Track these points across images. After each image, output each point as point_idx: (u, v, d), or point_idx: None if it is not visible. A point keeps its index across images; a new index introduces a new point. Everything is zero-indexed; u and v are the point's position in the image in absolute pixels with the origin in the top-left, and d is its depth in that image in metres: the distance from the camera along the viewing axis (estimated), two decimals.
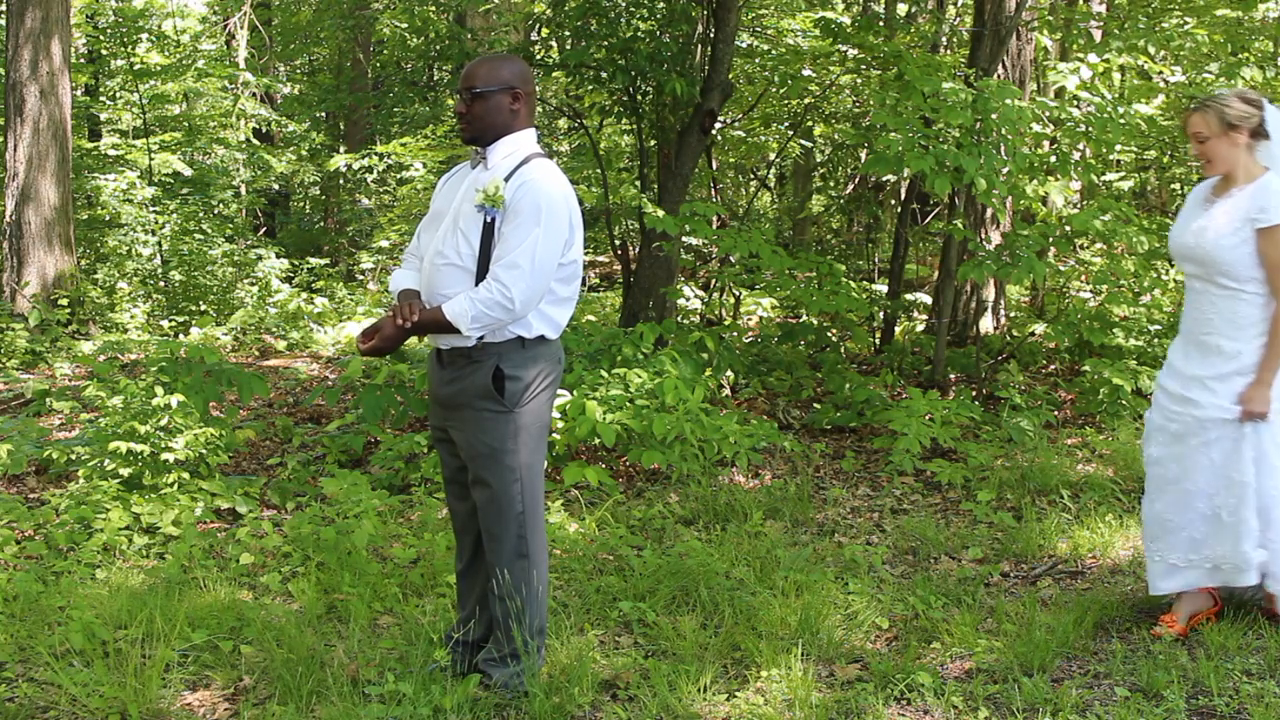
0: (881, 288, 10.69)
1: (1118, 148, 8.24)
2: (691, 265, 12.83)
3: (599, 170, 9.61)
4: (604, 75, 8.42)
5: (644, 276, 8.56)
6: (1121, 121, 7.33)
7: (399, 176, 15.60)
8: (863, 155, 11.88)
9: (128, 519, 5.38)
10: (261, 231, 17.57)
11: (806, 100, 10.71)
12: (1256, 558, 4.14)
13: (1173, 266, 11.73)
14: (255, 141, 16.77)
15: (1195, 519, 4.22)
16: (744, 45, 10.71)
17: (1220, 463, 4.15)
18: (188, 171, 14.17)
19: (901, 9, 12.13)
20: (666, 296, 8.63)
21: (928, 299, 10.65)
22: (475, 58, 3.87)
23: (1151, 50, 8.41)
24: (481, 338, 3.60)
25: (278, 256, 13.36)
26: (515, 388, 3.61)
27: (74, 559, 5.03)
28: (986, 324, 9.62)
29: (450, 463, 3.85)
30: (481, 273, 3.57)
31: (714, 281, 10.72)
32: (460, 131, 3.72)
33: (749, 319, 11.43)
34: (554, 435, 6.15)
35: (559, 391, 6.20)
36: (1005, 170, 7.19)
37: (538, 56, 9.17)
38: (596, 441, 6.16)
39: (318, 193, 19.69)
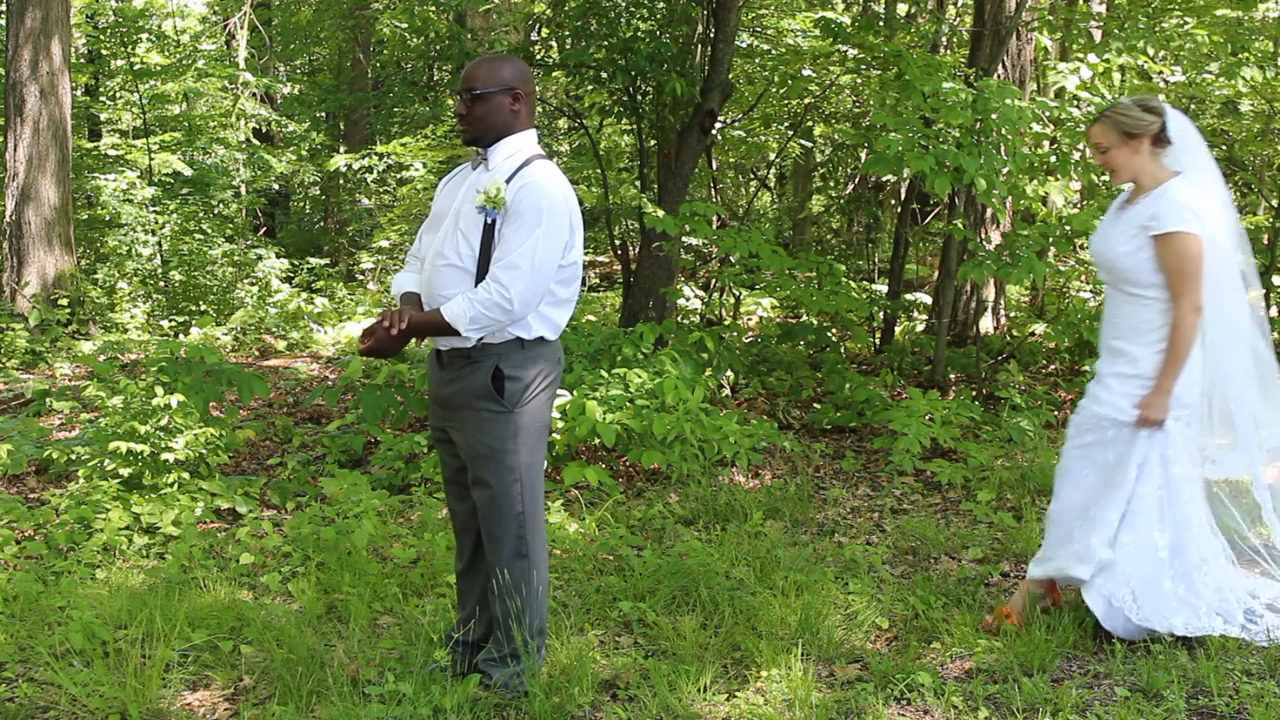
0: (881, 288, 10.69)
1: None
2: (691, 265, 12.83)
3: (599, 170, 9.61)
4: (604, 75, 8.42)
5: (644, 276, 8.56)
6: None
7: (399, 176, 15.59)
8: (863, 155, 11.88)
9: (128, 519, 5.38)
10: (261, 231, 17.57)
11: (806, 100, 10.71)
12: (1101, 555, 4.18)
13: None
14: (255, 141, 16.76)
15: (1074, 515, 4.29)
16: (744, 45, 10.70)
17: (1111, 464, 4.21)
18: (188, 171, 14.17)
19: (901, 9, 12.14)
20: (666, 296, 8.63)
21: (928, 299, 10.66)
22: (475, 58, 3.87)
23: (1151, 50, 8.41)
24: (481, 338, 3.61)
25: (278, 256, 13.37)
26: (515, 388, 3.61)
27: (74, 559, 5.03)
28: (986, 324, 9.62)
29: (450, 463, 3.85)
30: (481, 274, 3.56)
31: (714, 281, 10.72)
32: (461, 133, 3.72)
33: (749, 319, 11.44)
34: (554, 435, 6.15)
35: (559, 391, 6.22)
36: (1005, 170, 7.19)
37: (538, 56, 9.17)
38: (596, 441, 6.16)
39: (318, 193, 19.69)
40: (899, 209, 10.62)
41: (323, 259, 14.76)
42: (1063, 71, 7.86)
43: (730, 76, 8.64)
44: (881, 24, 9.91)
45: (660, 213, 7.21)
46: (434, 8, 10.40)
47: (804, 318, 9.07)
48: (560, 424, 6.14)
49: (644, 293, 8.55)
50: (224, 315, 11.97)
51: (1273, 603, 4.36)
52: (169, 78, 15.02)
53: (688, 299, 10.03)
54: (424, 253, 3.78)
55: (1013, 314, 10.62)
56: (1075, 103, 7.99)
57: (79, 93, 15.37)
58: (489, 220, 3.55)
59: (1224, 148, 10.42)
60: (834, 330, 8.95)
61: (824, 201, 14.25)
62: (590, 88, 9.12)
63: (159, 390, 5.92)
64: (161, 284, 12.36)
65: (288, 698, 3.76)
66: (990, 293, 9.63)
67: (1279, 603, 4.37)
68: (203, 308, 12.14)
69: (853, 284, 8.75)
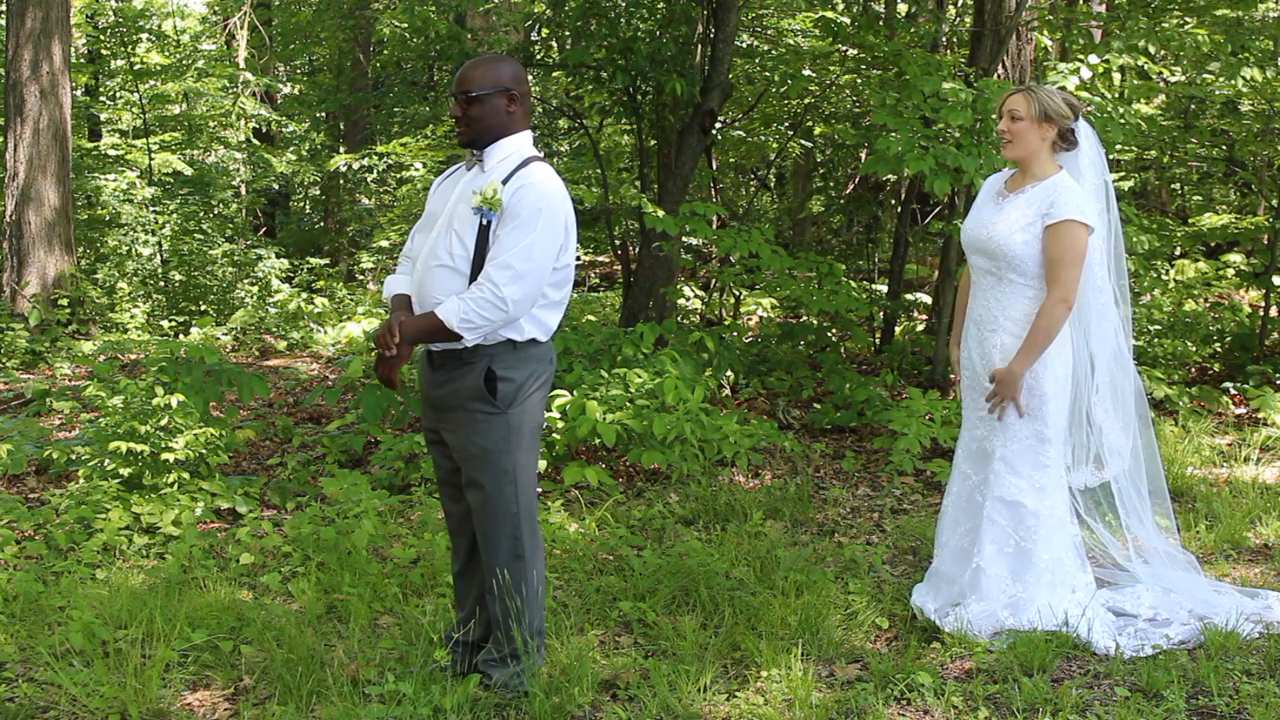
0: (881, 288, 10.68)
1: (1118, 147, 8.22)
2: (691, 265, 12.82)
3: (599, 170, 9.61)
4: (604, 75, 8.42)
5: (644, 276, 8.56)
6: (1121, 121, 7.33)
7: (399, 176, 15.59)
8: (863, 155, 11.87)
9: (128, 519, 5.38)
10: (261, 231, 17.57)
11: (806, 100, 10.70)
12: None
13: (1171, 266, 11.76)
14: (255, 141, 16.76)
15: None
16: (744, 45, 10.69)
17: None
18: (188, 171, 14.17)
19: (901, 9, 12.12)
20: (666, 296, 8.63)
21: (928, 299, 10.65)
22: (472, 59, 3.86)
23: (1151, 50, 8.40)
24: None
25: (278, 256, 13.37)
26: (507, 389, 3.61)
27: (74, 559, 5.03)
28: None
29: (444, 465, 3.84)
30: (475, 275, 3.56)
31: (714, 281, 10.72)
32: (458, 135, 3.72)
33: (749, 319, 11.44)
34: (554, 435, 6.16)
35: (559, 391, 6.22)
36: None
37: (538, 56, 9.16)
38: (596, 441, 6.16)
39: (318, 193, 19.68)
40: (899, 209, 10.61)
41: (323, 259, 14.76)
42: (1063, 72, 7.86)
43: (730, 76, 8.64)
44: (881, 24, 9.90)
45: (660, 213, 7.21)
46: (434, 8, 10.39)
47: (804, 318, 9.06)
48: (560, 424, 6.14)
49: (644, 293, 8.54)
50: (224, 315, 11.97)
51: (1155, 615, 4.37)
52: (169, 78, 15.02)
53: (688, 299, 10.02)
54: (416, 253, 3.78)
55: None
56: None
57: (79, 93, 15.37)
58: (485, 221, 3.55)
59: (1224, 148, 10.40)
60: (834, 330, 8.94)
61: (824, 201, 14.23)
62: (590, 88, 9.11)
63: (159, 390, 5.92)
64: (161, 284, 12.36)
65: (288, 698, 3.76)
66: None
67: (1161, 614, 4.37)
68: (203, 308, 12.14)
69: (853, 284, 8.74)
